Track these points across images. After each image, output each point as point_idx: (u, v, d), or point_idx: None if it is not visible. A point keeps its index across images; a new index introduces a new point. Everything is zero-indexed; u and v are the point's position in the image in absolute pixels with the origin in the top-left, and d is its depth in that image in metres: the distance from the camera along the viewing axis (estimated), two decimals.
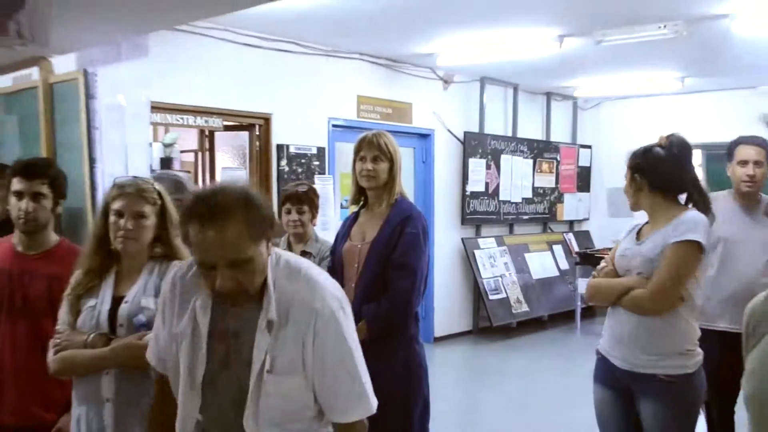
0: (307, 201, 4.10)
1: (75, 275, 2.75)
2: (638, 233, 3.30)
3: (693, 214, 3.15)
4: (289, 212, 4.08)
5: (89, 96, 4.46)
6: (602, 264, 3.33)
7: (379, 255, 3.32)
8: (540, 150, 10.55)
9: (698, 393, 3.09)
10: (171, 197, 2.85)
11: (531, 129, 10.45)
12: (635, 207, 3.33)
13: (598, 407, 3.29)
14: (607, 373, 3.21)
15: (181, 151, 10.17)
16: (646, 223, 3.32)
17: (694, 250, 3.02)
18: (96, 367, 2.60)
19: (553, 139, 10.88)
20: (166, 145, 9.34)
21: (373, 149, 3.42)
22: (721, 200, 4.05)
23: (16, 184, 3.04)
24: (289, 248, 4.05)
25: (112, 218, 2.68)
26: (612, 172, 11.24)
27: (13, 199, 3.03)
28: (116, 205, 2.68)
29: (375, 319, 3.22)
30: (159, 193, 2.78)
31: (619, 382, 3.15)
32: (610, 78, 9.65)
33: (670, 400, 3.00)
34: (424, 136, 9.11)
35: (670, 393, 3.00)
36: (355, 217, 3.58)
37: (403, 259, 3.28)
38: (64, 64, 4.77)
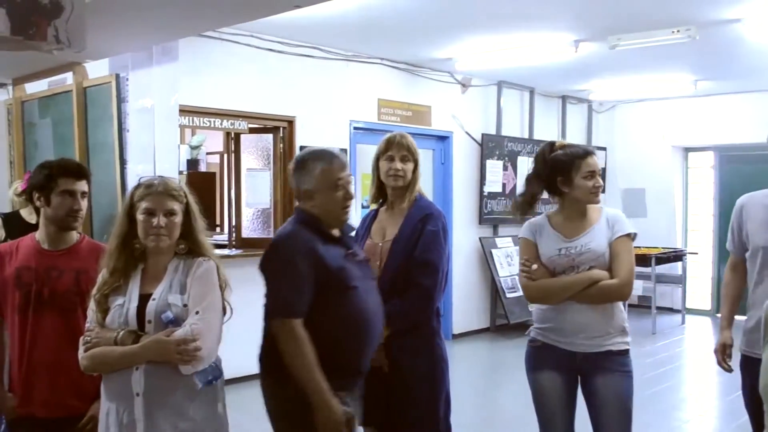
0: None
1: (101, 275, 2.77)
2: (558, 232, 3.40)
3: (615, 210, 3.48)
4: None
5: (121, 99, 4.53)
6: (534, 266, 3.35)
7: (400, 252, 3.31)
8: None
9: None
10: None
11: (547, 131, 10.43)
12: (583, 207, 3.44)
13: (547, 391, 3.40)
14: (556, 359, 3.35)
15: (207, 153, 10.26)
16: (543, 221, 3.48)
17: (632, 240, 3.36)
18: (126, 363, 2.62)
19: (568, 141, 10.84)
20: (193, 147, 9.43)
21: (402, 149, 3.43)
22: (758, 202, 3.53)
23: (69, 183, 3.10)
24: None
25: (141, 217, 2.70)
26: (627, 174, 11.25)
27: (59, 198, 3.08)
28: (145, 204, 2.71)
29: (398, 316, 3.20)
30: (184, 192, 2.82)
31: (572, 365, 3.33)
32: (625, 81, 9.62)
33: (622, 370, 3.30)
34: (443, 138, 9.13)
35: (623, 364, 3.31)
36: (375, 215, 3.57)
37: (424, 256, 3.27)
38: (96, 69, 4.84)
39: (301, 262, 2.79)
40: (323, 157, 2.94)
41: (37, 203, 3.12)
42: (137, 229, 2.72)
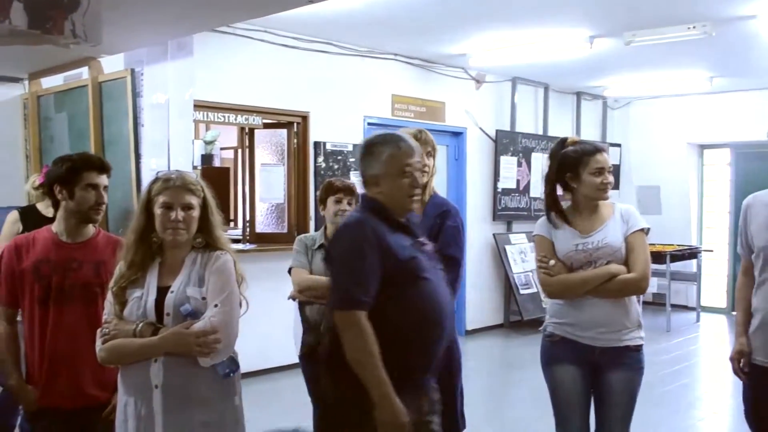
0: (356, 196, 4.13)
1: (118, 268, 2.79)
2: (574, 228, 3.43)
3: (627, 205, 3.53)
4: (339, 201, 4.07)
5: (136, 94, 4.55)
6: (551, 262, 3.39)
7: None
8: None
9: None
10: None
11: (561, 127, 10.40)
12: (596, 203, 3.48)
13: (566, 385, 3.43)
14: (575, 353, 3.39)
15: (221, 149, 10.30)
16: (558, 217, 3.48)
17: (646, 235, 3.43)
18: (145, 355, 2.63)
19: (583, 137, 10.80)
20: (207, 143, 9.46)
21: (429, 145, 3.44)
22: (761, 202, 3.41)
23: (93, 177, 3.14)
24: (326, 241, 4.05)
25: (159, 210, 2.72)
26: (641, 171, 11.20)
27: (83, 192, 3.12)
28: (163, 198, 2.72)
29: None
30: (202, 186, 2.83)
31: (589, 359, 3.37)
32: (640, 78, 9.58)
33: (636, 365, 3.38)
34: (457, 134, 9.12)
35: (638, 360, 3.38)
36: None
37: (446, 251, 3.24)
38: (111, 64, 4.86)
39: (368, 251, 2.65)
40: (391, 141, 2.83)
41: (59, 196, 3.14)
42: (155, 223, 2.73)
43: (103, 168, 3.21)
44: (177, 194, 2.73)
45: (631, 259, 3.33)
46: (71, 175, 3.12)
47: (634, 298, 3.42)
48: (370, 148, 2.85)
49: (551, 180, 3.48)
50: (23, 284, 3.11)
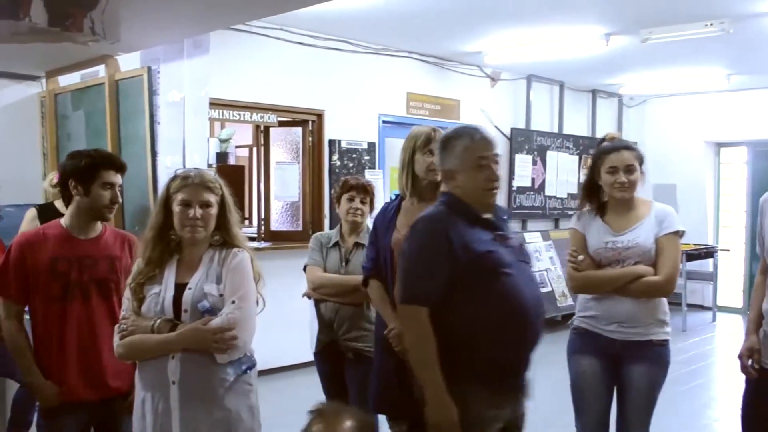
0: (370, 194, 4.12)
1: (136, 264, 2.82)
2: (608, 225, 3.46)
3: (664, 205, 3.53)
4: (352, 200, 4.05)
5: (152, 92, 4.57)
6: (580, 257, 3.45)
7: None
8: (586, 146, 10.47)
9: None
10: None
11: (577, 125, 10.38)
12: (629, 200, 3.48)
13: (587, 376, 3.47)
14: (597, 345, 3.43)
15: (236, 147, 10.31)
16: (596, 213, 3.52)
17: (680, 238, 3.43)
18: (163, 351, 2.65)
19: (598, 135, 10.77)
20: (222, 141, 9.47)
21: None
22: None
23: (111, 176, 3.16)
24: (342, 239, 4.06)
25: (177, 208, 2.73)
26: (658, 169, 11.10)
27: (100, 189, 3.13)
28: (182, 195, 2.74)
29: None
30: (220, 184, 2.85)
31: (611, 352, 3.39)
32: (656, 75, 9.55)
33: (660, 360, 3.38)
34: None
35: (662, 355, 3.39)
36: (398, 207, 3.49)
37: None
38: (128, 62, 4.89)
39: (438, 246, 2.60)
40: (466, 134, 2.77)
41: (73, 191, 3.14)
42: (173, 221, 2.75)
43: (122, 168, 3.23)
44: (195, 192, 2.74)
45: (659, 261, 3.34)
46: (89, 171, 3.13)
47: None
48: (446, 143, 2.80)
49: (590, 175, 3.54)
50: (37, 281, 3.09)
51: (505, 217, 2.92)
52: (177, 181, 2.78)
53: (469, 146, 2.72)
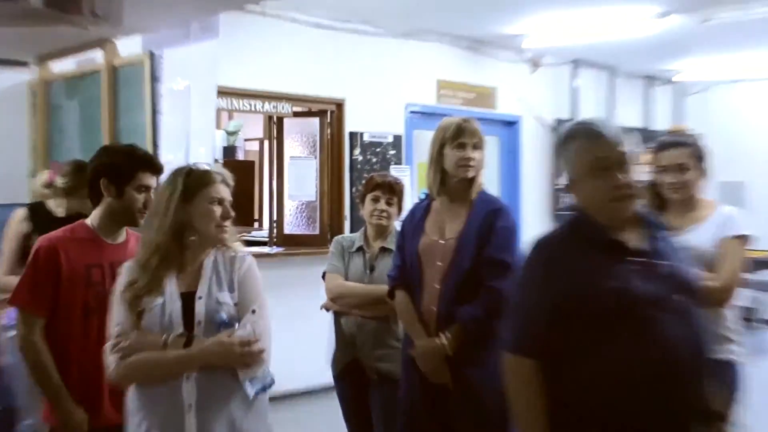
0: (398, 193, 4.02)
1: (128, 271, 2.73)
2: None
3: (730, 207, 3.56)
4: (377, 200, 3.97)
5: (154, 80, 4.59)
6: None
7: (469, 252, 3.26)
8: (640, 139, 10.37)
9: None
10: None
11: (629, 116, 10.29)
12: (687, 200, 3.54)
13: None
14: None
15: (245, 140, 10.35)
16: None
17: (745, 243, 3.44)
18: (180, 370, 2.56)
19: (654, 127, 10.71)
20: (230, 133, 9.49)
21: (474, 136, 3.36)
22: None
23: (147, 179, 3.14)
24: (366, 243, 4.03)
25: (205, 207, 2.68)
26: (724, 164, 10.92)
27: (135, 192, 3.10)
28: (213, 193, 2.70)
29: (474, 322, 3.17)
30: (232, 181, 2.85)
31: None
32: (719, 60, 9.48)
33: (725, 381, 3.21)
34: (510, 124, 9.09)
35: (725, 375, 3.26)
36: (427, 208, 3.50)
37: (498, 255, 3.22)
38: (128, 47, 4.91)
39: (545, 284, 2.33)
40: (581, 130, 2.45)
41: (105, 191, 3.11)
42: (193, 220, 2.69)
43: (161, 170, 3.20)
44: (224, 189, 2.75)
45: (718, 267, 3.35)
46: (126, 171, 3.11)
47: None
48: (562, 143, 2.49)
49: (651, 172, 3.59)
50: (69, 289, 3.04)
51: (658, 235, 2.45)
52: (197, 176, 2.73)
53: (584, 146, 2.39)
